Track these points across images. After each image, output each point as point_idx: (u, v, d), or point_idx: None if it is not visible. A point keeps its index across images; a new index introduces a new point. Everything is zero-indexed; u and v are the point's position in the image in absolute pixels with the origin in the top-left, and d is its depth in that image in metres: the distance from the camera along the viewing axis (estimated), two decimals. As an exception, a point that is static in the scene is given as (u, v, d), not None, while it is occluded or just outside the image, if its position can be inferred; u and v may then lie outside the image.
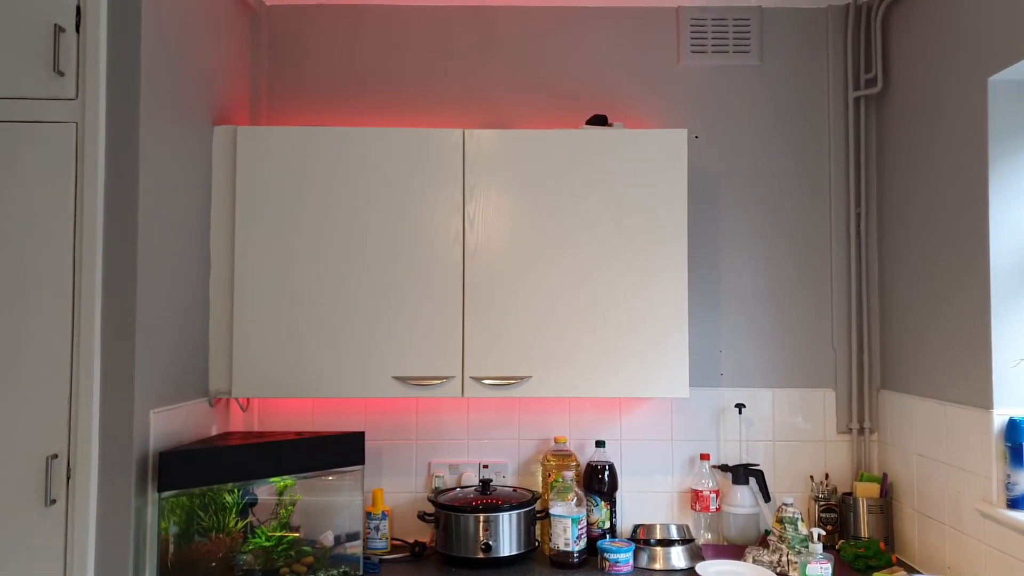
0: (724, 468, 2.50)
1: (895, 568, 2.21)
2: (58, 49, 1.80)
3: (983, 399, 1.98)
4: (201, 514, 1.96)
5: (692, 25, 2.60)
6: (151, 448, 1.90)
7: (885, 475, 2.45)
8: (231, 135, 2.27)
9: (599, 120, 2.42)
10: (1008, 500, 1.90)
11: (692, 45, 2.61)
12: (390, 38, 2.64)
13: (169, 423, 2.00)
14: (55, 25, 1.79)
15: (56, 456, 1.77)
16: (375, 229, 2.24)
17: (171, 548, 1.91)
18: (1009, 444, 1.90)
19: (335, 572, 2.11)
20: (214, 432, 2.31)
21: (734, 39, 2.60)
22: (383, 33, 2.64)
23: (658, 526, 2.44)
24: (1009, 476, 1.90)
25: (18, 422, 1.77)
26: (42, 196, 1.80)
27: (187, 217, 2.13)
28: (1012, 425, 1.90)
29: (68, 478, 1.77)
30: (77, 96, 1.81)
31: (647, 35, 2.63)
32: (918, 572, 2.20)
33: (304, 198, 2.24)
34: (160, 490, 1.88)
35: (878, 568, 2.22)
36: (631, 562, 2.23)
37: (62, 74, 1.80)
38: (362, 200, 2.25)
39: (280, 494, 2.12)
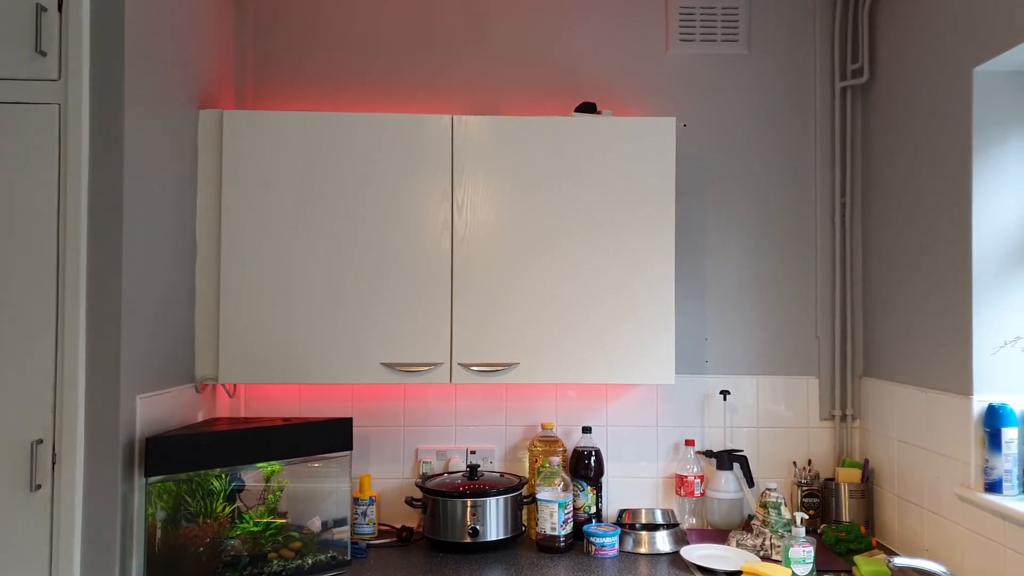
0: (709, 454, 2.52)
1: (875, 551, 2.25)
2: (40, 29, 1.77)
3: (963, 386, 2.01)
4: (188, 499, 1.95)
5: (681, 13, 2.61)
6: (137, 433, 1.88)
7: (867, 461, 2.49)
8: (217, 119, 2.25)
9: (588, 108, 2.42)
10: (986, 484, 1.94)
11: (680, 33, 2.61)
12: (378, 22, 2.61)
13: (155, 409, 1.98)
14: (37, 4, 1.76)
15: (41, 441, 1.75)
16: (363, 215, 2.23)
17: (158, 533, 1.90)
18: (987, 430, 1.94)
19: (323, 557, 2.11)
20: (200, 418, 2.30)
21: (722, 28, 2.61)
22: (371, 17, 2.61)
23: (643, 511, 2.47)
24: (987, 461, 1.93)
25: (2, 407, 1.75)
26: (25, 178, 1.77)
27: (173, 201, 2.11)
28: (991, 411, 1.93)
29: (54, 463, 1.76)
30: (60, 77, 1.78)
31: (636, 23, 2.63)
32: (897, 555, 2.24)
33: (291, 183, 2.23)
34: (147, 475, 1.87)
35: (858, 551, 2.25)
36: (617, 546, 2.26)
37: (44, 54, 1.77)
38: (350, 185, 2.23)
39: (267, 480, 2.11)
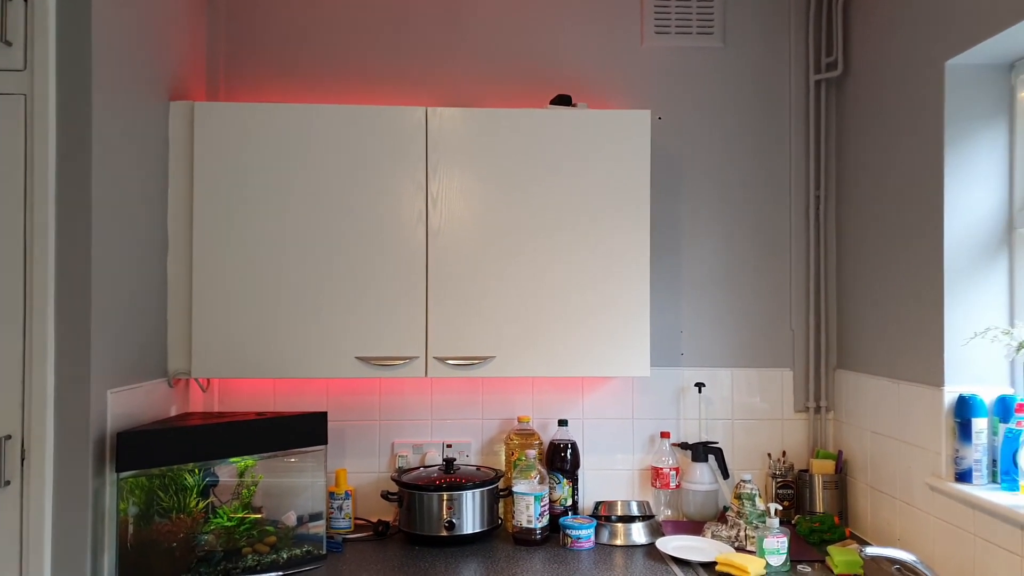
0: (684, 446, 2.53)
1: (848, 541, 2.27)
2: (5, 18, 1.74)
3: (934, 377, 2.03)
4: (161, 495, 1.94)
5: (656, 6, 2.60)
6: (108, 428, 1.86)
7: (840, 452, 2.52)
8: (188, 111, 2.22)
9: (563, 100, 2.41)
10: (956, 474, 1.96)
11: (656, 26, 2.61)
12: (352, 13, 2.59)
13: (127, 403, 1.96)
14: (2, -7, 1.73)
15: (10, 437, 1.73)
16: (336, 207, 2.22)
17: (130, 529, 1.88)
18: (958, 420, 1.96)
19: (298, 552, 2.10)
20: (173, 413, 2.28)
21: (698, 21, 2.61)
22: (346, 7, 2.59)
23: (619, 503, 2.48)
24: (957, 451, 1.96)
25: (-32, 403, 1.72)
26: (-9, 170, 1.74)
27: (143, 194, 2.08)
28: (961, 402, 1.96)
29: (23, 459, 1.73)
30: (26, 67, 1.75)
31: (611, 15, 2.62)
32: (870, 544, 2.27)
33: (263, 176, 2.21)
34: (119, 471, 1.85)
35: (832, 542, 2.27)
36: (592, 538, 2.26)
37: (9, 44, 1.74)
38: (323, 178, 2.22)
39: (241, 475, 2.10)
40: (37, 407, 1.74)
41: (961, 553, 1.92)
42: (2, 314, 1.74)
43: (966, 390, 1.98)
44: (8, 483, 1.73)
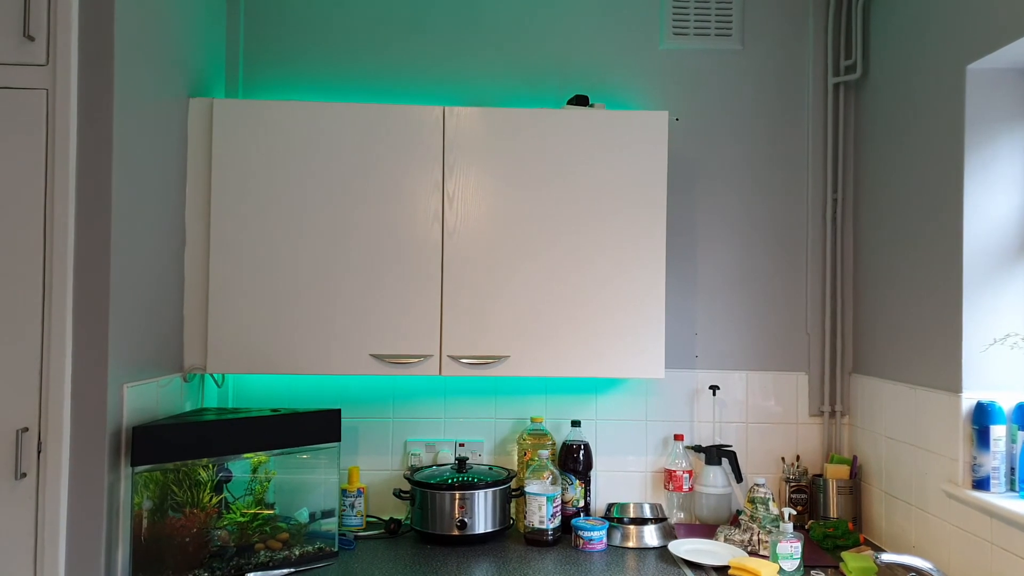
0: (697, 449, 2.52)
1: (862, 547, 2.25)
2: (28, 13, 1.75)
3: (952, 383, 2.01)
4: (175, 489, 1.95)
5: (674, 7, 2.60)
6: (124, 422, 1.87)
7: (855, 457, 2.50)
8: (207, 108, 2.23)
9: (580, 100, 2.41)
10: (973, 481, 1.94)
11: (674, 27, 2.60)
12: (370, 12, 2.60)
13: (142, 398, 1.97)
14: (26, -12, 1.74)
15: (27, 429, 1.74)
16: (353, 205, 2.22)
17: (144, 523, 1.89)
18: (976, 427, 1.94)
19: (310, 549, 2.11)
20: (188, 408, 2.29)
21: (716, 22, 2.60)
22: (363, 6, 2.60)
23: (632, 505, 2.47)
24: (975, 458, 1.94)
25: (-13, 395, 1.74)
26: (11, 165, 1.75)
27: (162, 190, 2.09)
28: (979, 408, 1.94)
29: (39, 452, 1.74)
30: (48, 62, 1.77)
31: (629, 16, 2.62)
32: (884, 551, 2.25)
33: (281, 173, 2.21)
34: (134, 465, 1.86)
35: (846, 547, 2.26)
36: (605, 540, 2.26)
37: (32, 39, 1.76)
38: (340, 176, 2.22)
39: (254, 471, 2.11)
40: (54, 400, 1.75)
41: (977, 561, 1.90)
42: (21, 307, 1.75)
43: (984, 397, 1.96)
44: (24, 475, 1.74)
